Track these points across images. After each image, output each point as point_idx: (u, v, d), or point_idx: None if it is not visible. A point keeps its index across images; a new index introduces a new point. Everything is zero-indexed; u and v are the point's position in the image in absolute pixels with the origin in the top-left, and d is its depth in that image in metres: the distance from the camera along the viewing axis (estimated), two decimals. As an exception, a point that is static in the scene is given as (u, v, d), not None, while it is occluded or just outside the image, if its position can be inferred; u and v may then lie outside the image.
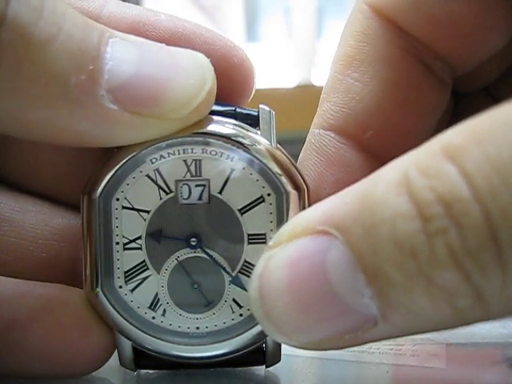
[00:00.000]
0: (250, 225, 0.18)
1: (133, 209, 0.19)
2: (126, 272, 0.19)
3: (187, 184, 0.18)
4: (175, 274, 0.19)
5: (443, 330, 0.14)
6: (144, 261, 0.19)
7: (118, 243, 0.18)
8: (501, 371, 0.19)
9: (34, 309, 0.18)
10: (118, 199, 0.18)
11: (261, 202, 0.18)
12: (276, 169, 0.18)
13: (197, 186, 0.18)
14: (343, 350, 0.20)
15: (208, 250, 0.18)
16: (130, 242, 0.19)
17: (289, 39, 1.43)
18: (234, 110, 0.19)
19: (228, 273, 0.19)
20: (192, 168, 0.18)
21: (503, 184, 0.12)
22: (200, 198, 0.18)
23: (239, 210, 0.18)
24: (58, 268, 0.20)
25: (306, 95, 0.91)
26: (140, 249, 0.19)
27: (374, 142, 0.19)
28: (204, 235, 0.18)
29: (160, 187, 0.18)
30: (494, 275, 0.12)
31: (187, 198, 0.18)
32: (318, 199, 0.15)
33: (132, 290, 0.19)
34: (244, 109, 0.19)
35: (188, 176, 0.18)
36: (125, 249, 0.19)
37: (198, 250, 0.19)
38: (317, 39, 1.37)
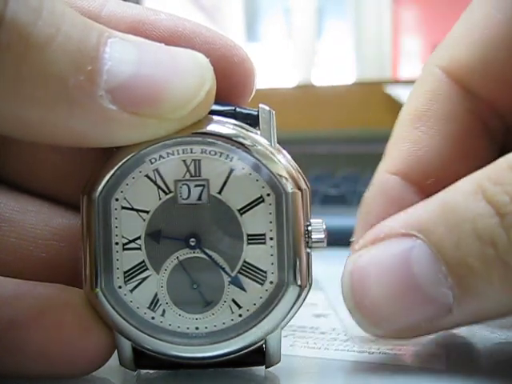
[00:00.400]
0: (249, 225, 0.18)
1: (132, 209, 0.18)
2: (125, 272, 0.19)
3: (186, 184, 0.18)
4: (175, 274, 0.19)
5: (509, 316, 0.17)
6: (143, 261, 0.19)
7: (117, 243, 0.18)
8: (500, 371, 0.19)
9: (34, 309, 0.18)
10: (117, 199, 0.18)
11: (260, 202, 0.18)
12: (276, 169, 0.18)
13: (196, 186, 0.18)
14: (343, 350, 0.20)
15: (207, 250, 0.18)
16: (130, 242, 0.19)
17: (289, 39, 1.43)
18: (234, 110, 0.19)
19: (227, 273, 0.18)
20: (191, 168, 0.18)
21: None
22: (199, 199, 0.18)
23: (239, 211, 0.18)
24: (58, 268, 0.20)
25: (306, 95, 0.91)
26: (139, 249, 0.19)
27: (434, 189, 0.20)
28: (203, 235, 0.18)
29: (159, 187, 0.18)
30: None
31: (186, 198, 0.18)
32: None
33: (131, 290, 0.19)
34: (244, 108, 0.19)
35: (187, 176, 0.18)
36: (124, 249, 0.18)
37: (197, 250, 0.19)
38: (317, 39, 1.37)
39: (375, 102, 0.81)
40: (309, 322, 0.24)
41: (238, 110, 0.19)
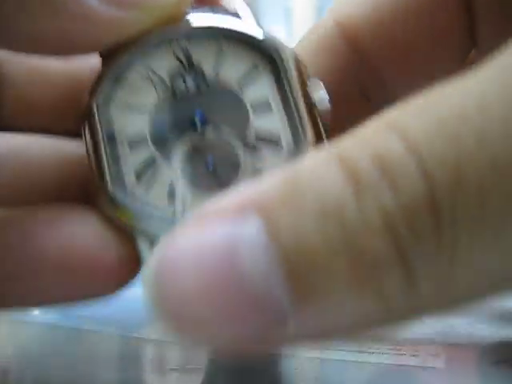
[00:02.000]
0: (251, 95, 0.18)
1: (132, 110, 0.18)
2: (136, 172, 0.18)
3: (181, 76, 0.18)
4: (187, 161, 0.18)
5: (361, 336, 0.13)
6: (153, 156, 0.18)
7: (123, 146, 0.18)
8: (500, 371, 0.19)
9: (49, 220, 0.18)
10: (116, 105, 0.18)
11: (257, 70, 0.18)
12: (260, 36, 0.18)
13: (191, 75, 0.18)
14: (343, 350, 0.20)
15: (215, 130, 0.18)
16: (136, 142, 0.18)
17: (289, 39, 1.43)
18: (212, 9, 0.19)
19: (239, 146, 0.18)
20: (182, 59, 0.18)
21: (439, 132, 0.11)
22: (197, 87, 0.18)
23: (237, 85, 0.18)
24: (69, 195, 0.20)
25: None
26: (147, 145, 0.18)
27: (368, 48, 0.21)
28: (208, 117, 0.18)
29: (156, 84, 0.18)
30: (428, 246, 0.11)
31: (184, 90, 0.18)
32: None
33: (147, 189, 0.18)
34: (221, 7, 0.19)
35: (181, 68, 0.18)
36: (131, 149, 0.18)
37: (206, 129, 0.18)
38: (317, 39, 1.37)
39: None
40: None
41: (215, 8, 0.19)
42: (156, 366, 0.21)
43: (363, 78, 0.22)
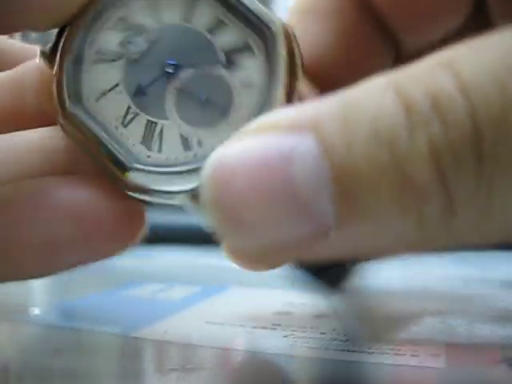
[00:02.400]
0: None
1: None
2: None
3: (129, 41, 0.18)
4: (178, 102, 0.18)
5: (401, 253, 0.14)
6: (129, 105, 0.18)
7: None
8: (501, 371, 0.19)
9: (49, 186, 0.18)
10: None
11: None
12: None
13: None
14: (343, 350, 0.20)
15: (189, 69, 0.18)
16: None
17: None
18: None
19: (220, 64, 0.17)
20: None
21: (491, 82, 0.12)
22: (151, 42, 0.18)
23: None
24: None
25: (306, 95, 0.91)
26: (121, 94, 0.18)
27: (324, 77, 0.20)
28: (179, 61, 0.18)
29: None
30: (469, 176, 0.12)
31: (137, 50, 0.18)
32: None
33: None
34: None
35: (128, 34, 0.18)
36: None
37: (180, 72, 0.18)
38: (317, 39, 1.36)
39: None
40: (309, 322, 0.24)
41: None
42: (156, 366, 0.21)
43: (373, 37, 0.21)
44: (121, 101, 0.18)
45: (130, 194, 0.18)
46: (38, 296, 0.21)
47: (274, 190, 0.12)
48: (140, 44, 0.18)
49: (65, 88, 0.18)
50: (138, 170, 0.17)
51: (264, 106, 0.17)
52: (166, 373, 0.20)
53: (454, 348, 0.21)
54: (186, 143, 0.18)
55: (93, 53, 0.18)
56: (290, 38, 0.17)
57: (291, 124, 0.12)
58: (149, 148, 0.18)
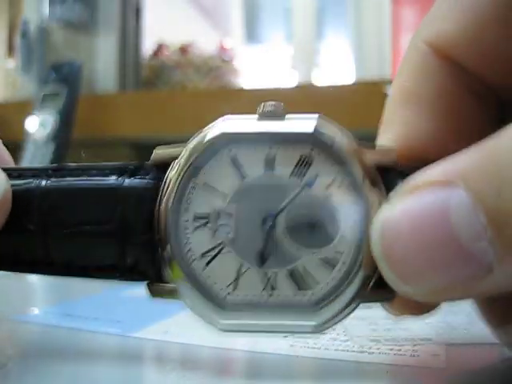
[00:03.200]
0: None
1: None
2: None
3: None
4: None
5: None
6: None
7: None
8: (500, 371, 0.19)
9: None
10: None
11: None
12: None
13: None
14: (343, 350, 0.20)
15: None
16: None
17: (289, 39, 1.43)
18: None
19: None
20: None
21: None
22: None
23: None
24: None
25: (306, 95, 0.91)
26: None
27: (469, 63, 0.20)
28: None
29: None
30: None
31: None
32: None
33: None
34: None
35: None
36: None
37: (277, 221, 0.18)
38: (317, 39, 1.37)
39: (375, 102, 0.80)
40: (309, 322, 0.24)
41: None
42: (156, 366, 0.21)
43: (477, 94, 0.20)
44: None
45: None
46: (38, 296, 0.21)
47: (436, 240, 0.14)
48: (229, 227, 0.18)
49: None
50: None
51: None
52: (166, 373, 0.20)
53: (454, 348, 0.21)
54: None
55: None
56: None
57: (441, 179, 0.14)
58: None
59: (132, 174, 0.19)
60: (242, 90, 1.11)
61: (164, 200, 0.18)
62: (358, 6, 1.25)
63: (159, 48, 1.18)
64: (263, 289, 0.18)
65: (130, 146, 1.05)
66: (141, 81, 1.13)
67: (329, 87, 0.96)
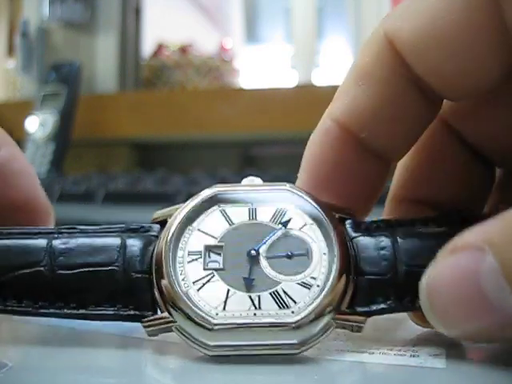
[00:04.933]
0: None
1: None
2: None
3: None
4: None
5: None
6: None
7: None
8: (501, 371, 0.19)
9: None
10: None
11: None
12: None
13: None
14: (343, 350, 0.20)
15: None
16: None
17: (289, 39, 1.43)
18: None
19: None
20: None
21: None
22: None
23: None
24: None
25: (306, 95, 0.91)
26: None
27: (369, 142, 0.23)
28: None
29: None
30: None
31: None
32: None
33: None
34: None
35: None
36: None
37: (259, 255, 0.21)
38: (317, 39, 1.37)
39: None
40: (309, 322, 0.24)
41: None
42: (156, 366, 0.21)
43: (420, 88, 0.22)
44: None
45: None
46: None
47: (468, 295, 0.17)
48: (218, 260, 0.21)
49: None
50: None
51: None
52: (166, 373, 0.20)
53: (454, 348, 0.21)
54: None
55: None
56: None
57: (474, 244, 0.17)
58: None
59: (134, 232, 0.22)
60: (241, 90, 1.11)
61: (164, 240, 0.21)
62: (358, 6, 1.25)
63: (159, 48, 1.18)
64: (249, 308, 0.20)
65: (129, 146, 1.05)
66: (141, 81, 1.13)
67: (328, 87, 0.96)
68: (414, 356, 0.20)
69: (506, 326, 0.17)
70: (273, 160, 1.06)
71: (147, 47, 1.16)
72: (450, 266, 0.18)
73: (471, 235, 0.18)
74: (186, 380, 0.19)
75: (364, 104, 0.23)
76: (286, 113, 0.95)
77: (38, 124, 0.91)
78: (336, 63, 1.47)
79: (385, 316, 0.21)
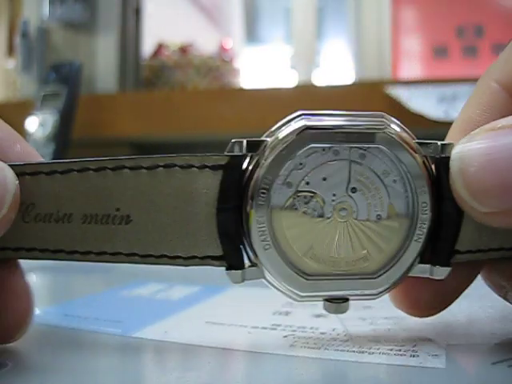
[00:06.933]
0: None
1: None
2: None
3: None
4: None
5: None
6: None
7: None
8: (501, 371, 0.19)
9: None
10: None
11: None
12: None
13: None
14: (343, 350, 0.20)
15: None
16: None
17: (289, 40, 1.43)
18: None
19: None
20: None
21: None
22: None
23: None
24: None
25: (306, 95, 0.91)
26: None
27: None
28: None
29: None
30: None
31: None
32: None
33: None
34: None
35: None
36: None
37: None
38: (317, 40, 1.37)
39: (375, 102, 0.81)
40: (309, 322, 0.24)
41: None
42: (156, 366, 0.21)
43: None
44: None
45: None
46: (37, 296, 0.21)
47: (508, 168, 0.17)
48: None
49: None
50: None
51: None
52: (166, 373, 0.20)
53: (454, 348, 0.21)
54: None
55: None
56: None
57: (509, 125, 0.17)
58: None
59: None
60: (242, 90, 1.11)
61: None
62: (358, 6, 1.25)
63: (159, 48, 1.18)
64: None
65: (129, 146, 1.05)
66: (141, 81, 1.13)
67: (328, 87, 0.96)
68: (413, 356, 0.20)
69: None
70: (273, 160, 1.05)
71: (147, 47, 1.16)
72: (492, 138, 0.17)
73: (509, 120, 0.17)
74: (185, 380, 0.19)
75: None
76: (286, 113, 0.95)
77: (38, 124, 0.91)
78: (336, 63, 1.47)
79: (385, 316, 0.21)
